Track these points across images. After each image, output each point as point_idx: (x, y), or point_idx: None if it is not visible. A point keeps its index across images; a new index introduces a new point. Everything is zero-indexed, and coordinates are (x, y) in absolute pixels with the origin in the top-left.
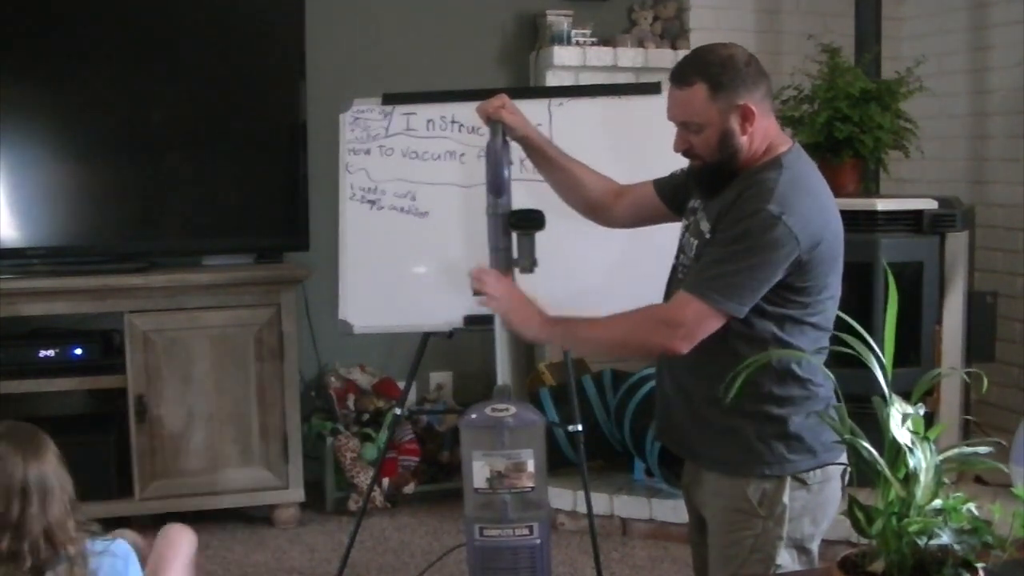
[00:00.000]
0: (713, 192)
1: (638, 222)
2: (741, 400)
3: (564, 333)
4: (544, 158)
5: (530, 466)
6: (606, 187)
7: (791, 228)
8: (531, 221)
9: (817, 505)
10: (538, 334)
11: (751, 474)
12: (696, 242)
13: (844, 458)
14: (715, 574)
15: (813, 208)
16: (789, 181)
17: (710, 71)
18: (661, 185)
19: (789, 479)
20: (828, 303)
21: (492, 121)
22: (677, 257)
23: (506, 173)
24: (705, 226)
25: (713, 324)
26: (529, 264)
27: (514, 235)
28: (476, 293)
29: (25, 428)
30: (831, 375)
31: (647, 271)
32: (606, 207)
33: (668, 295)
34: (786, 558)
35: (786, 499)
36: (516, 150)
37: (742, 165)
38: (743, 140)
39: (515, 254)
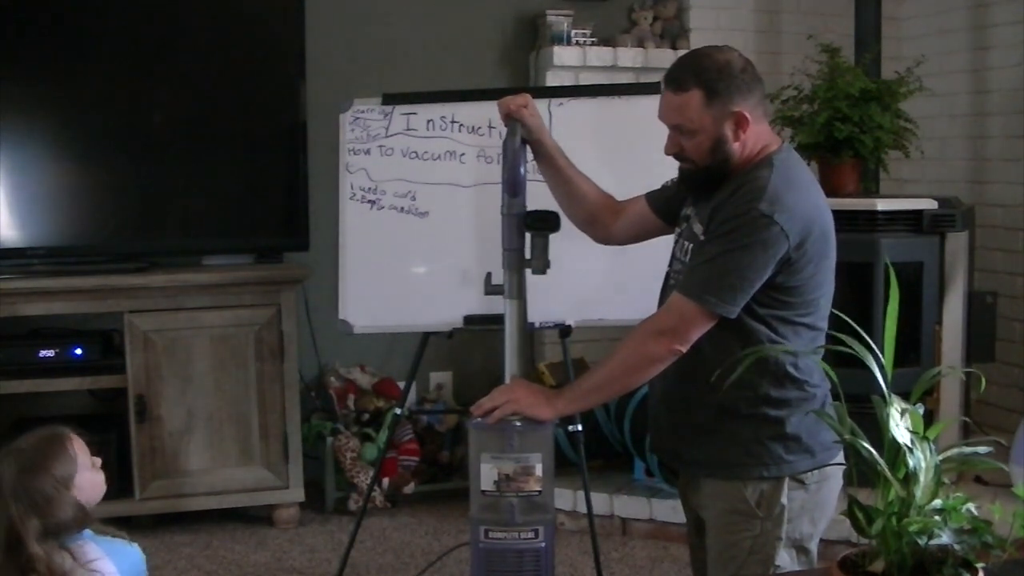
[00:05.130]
0: (704, 194)
1: (633, 238)
2: (738, 403)
3: (572, 396)
4: (553, 166)
5: (538, 470)
6: (606, 204)
7: (781, 226)
8: (546, 222)
9: (815, 505)
10: (553, 410)
11: (749, 476)
12: (690, 246)
13: (841, 458)
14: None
15: (802, 204)
16: (779, 179)
17: (706, 77)
18: (653, 198)
19: (787, 480)
20: (820, 302)
21: (511, 119)
22: (670, 264)
23: (523, 173)
24: (698, 228)
25: (704, 324)
26: (542, 265)
27: (528, 236)
28: (485, 416)
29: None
30: (832, 372)
31: (643, 275)
32: (604, 224)
33: (662, 302)
34: (785, 558)
35: (784, 499)
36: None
37: (734, 169)
38: (735, 146)
39: (528, 255)
